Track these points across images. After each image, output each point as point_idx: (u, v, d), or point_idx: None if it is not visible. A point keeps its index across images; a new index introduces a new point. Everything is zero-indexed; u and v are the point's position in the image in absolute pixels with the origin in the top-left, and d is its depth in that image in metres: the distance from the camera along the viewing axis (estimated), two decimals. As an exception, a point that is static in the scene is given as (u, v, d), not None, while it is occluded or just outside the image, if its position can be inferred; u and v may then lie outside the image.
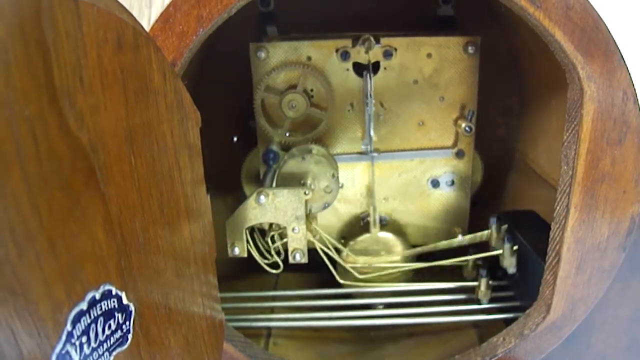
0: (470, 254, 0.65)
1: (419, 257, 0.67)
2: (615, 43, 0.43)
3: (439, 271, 0.65)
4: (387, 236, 0.67)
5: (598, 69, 0.43)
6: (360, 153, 0.65)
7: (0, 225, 0.22)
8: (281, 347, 0.63)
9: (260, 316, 0.63)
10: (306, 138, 0.62)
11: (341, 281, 0.62)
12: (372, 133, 0.63)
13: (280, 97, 0.60)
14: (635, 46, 0.44)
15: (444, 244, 0.64)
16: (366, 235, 0.66)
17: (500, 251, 0.61)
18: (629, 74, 0.44)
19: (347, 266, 0.63)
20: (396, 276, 0.66)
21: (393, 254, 0.66)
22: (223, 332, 0.49)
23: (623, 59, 0.44)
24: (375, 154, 0.64)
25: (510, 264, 0.60)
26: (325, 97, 0.61)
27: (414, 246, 0.67)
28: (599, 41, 0.43)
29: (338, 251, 0.62)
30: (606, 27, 0.42)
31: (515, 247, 0.60)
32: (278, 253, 0.58)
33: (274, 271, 0.56)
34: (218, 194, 0.56)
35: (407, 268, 0.65)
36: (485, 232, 0.62)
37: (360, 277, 0.63)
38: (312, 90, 0.61)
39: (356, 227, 0.68)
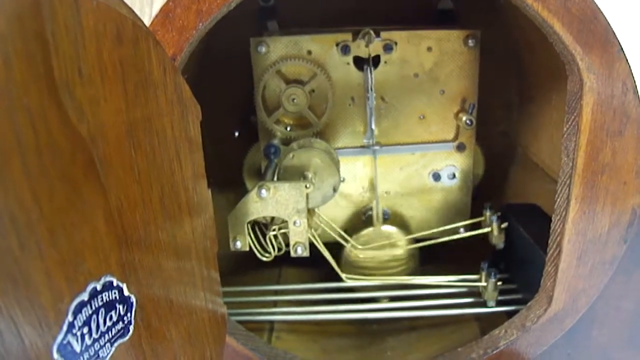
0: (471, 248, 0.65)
1: (420, 251, 0.67)
2: (615, 34, 0.43)
3: (440, 264, 0.66)
4: (391, 229, 0.67)
5: (597, 60, 0.43)
6: (363, 147, 0.65)
7: (1, 215, 0.22)
8: (284, 341, 0.63)
9: (263, 310, 0.63)
10: (307, 132, 0.62)
11: (343, 276, 0.62)
12: (373, 126, 0.63)
13: (284, 87, 0.60)
14: (634, 38, 0.44)
15: (444, 234, 0.65)
16: (369, 229, 0.66)
17: (488, 229, 0.63)
18: (629, 65, 0.44)
19: (353, 256, 0.63)
20: (400, 269, 0.66)
21: (396, 247, 0.66)
22: (225, 326, 0.49)
23: (622, 50, 0.44)
24: (377, 147, 0.64)
25: (499, 240, 0.63)
26: (325, 96, 0.61)
27: (417, 240, 0.67)
28: (598, 32, 0.43)
29: (341, 245, 0.62)
30: (605, 18, 0.42)
31: (503, 225, 0.62)
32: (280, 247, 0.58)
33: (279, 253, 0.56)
34: (220, 189, 0.57)
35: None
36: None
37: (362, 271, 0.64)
38: (312, 90, 0.61)
39: (357, 221, 0.68)
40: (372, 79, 0.60)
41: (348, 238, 0.63)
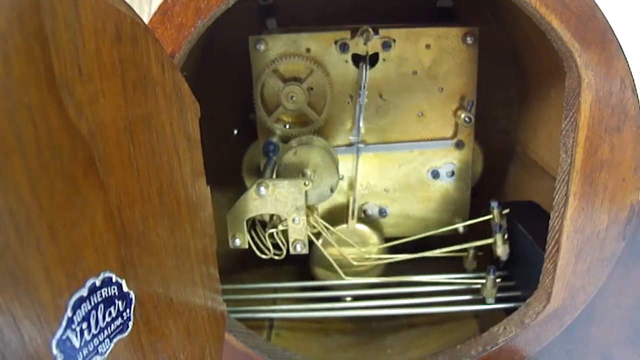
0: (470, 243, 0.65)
1: (419, 248, 0.67)
2: (613, 31, 0.43)
3: (437, 261, 0.66)
4: (363, 229, 0.67)
5: (595, 57, 0.43)
6: (349, 145, 0.65)
7: (1, 212, 0.22)
8: (283, 339, 0.63)
9: (262, 308, 0.63)
10: (306, 130, 0.62)
11: (342, 274, 0.62)
12: (361, 124, 0.63)
13: (282, 86, 0.60)
14: (633, 36, 0.44)
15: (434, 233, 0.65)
16: (342, 226, 0.66)
17: (491, 240, 0.61)
18: (627, 62, 0.44)
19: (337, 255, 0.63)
20: (368, 269, 0.66)
21: (368, 246, 0.66)
22: (225, 323, 0.49)
23: (621, 47, 0.44)
24: (361, 145, 0.64)
25: (503, 252, 0.61)
26: (324, 94, 0.61)
27: (396, 239, 0.67)
28: (596, 29, 0.43)
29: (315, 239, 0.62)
30: (603, 15, 0.43)
31: (506, 236, 0.61)
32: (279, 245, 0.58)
33: (276, 257, 0.56)
34: (219, 187, 0.56)
35: (404, 258, 0.65)
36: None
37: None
38: (311, 88, 0.61)
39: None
40: (366, 76, 0.60)
41: (332, 240, 0.63)
